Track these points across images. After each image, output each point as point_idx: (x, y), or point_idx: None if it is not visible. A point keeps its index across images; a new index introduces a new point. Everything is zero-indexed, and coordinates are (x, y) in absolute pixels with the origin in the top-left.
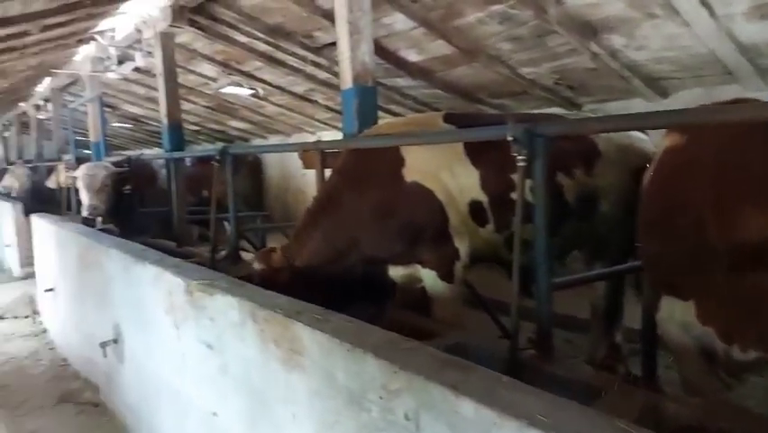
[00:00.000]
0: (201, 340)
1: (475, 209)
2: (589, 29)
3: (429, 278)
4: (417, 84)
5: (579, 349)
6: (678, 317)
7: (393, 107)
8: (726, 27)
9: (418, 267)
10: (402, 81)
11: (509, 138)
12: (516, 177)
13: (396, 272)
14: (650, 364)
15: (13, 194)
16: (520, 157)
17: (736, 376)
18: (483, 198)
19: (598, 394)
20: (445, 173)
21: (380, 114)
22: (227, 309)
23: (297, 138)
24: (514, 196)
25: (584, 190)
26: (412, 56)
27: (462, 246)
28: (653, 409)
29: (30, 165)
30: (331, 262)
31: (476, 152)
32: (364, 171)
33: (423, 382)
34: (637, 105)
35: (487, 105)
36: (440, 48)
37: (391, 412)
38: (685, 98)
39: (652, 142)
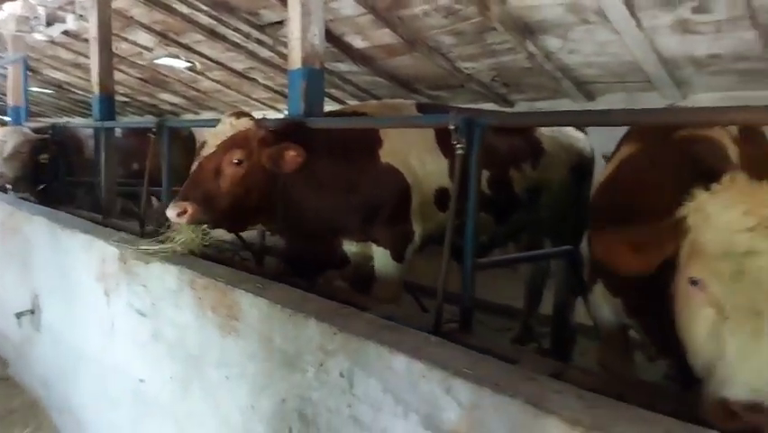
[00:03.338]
0: (134, 307)
1: (440, 196)
2: (527, 29)
3: (381, 256)
4: (359, 70)
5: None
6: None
7: (333, 91)
8: (651, 38)
9: (372, 245)
10: (344, 66)
11: (451, 127)
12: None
13: (350, 248)
14: (559, 341)
15: None
16: (459, 145)
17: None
18: (449, 185)
19: (513, 363)
20: (415, 159)
21: None
22: (164, 277)
23: None
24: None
25: (530, 183)
26: (357, 42)
27: (419, 229)
28: (560, 376)
29: None
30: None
31: (447, 143)
32: (342, 146)
33: (360, 342)
34: (565, 106)
35: (425, 96)
36: (384, 36)
37: (326, 372)
38: (609, 102)
39: (589, 142)
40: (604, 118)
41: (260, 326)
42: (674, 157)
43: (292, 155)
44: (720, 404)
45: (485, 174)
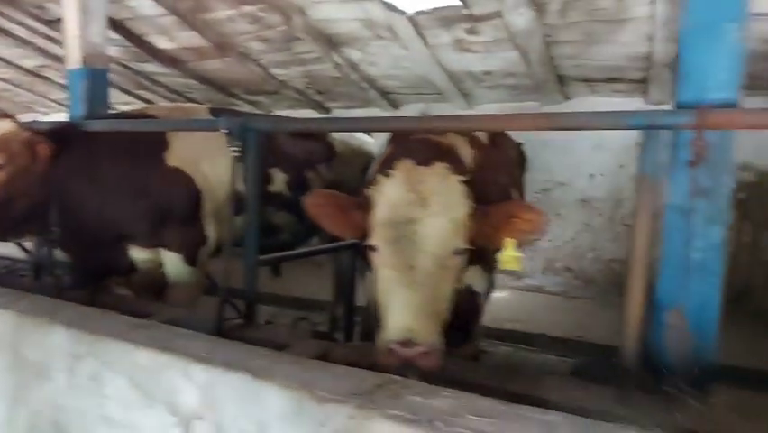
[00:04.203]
0: None
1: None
2: (330, 41)
3: (173, 261)
4: (169, 72)
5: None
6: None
7: (143, 93)
8: (436, 55)
9: (162, 251)
10: (152, 67)
11: (224, 131)
12: (273, 171)
13: (138, 255)
14: (350, 327)
15: None
16: (234, 148)
17: None
18: (243, 189)
19: (283, 348)
20: (207, 164)
21: (129, 99)
22: None
23: (26, 119)
24: (270, 188)
25: (325, 184)
26: (162, 43)
27: (212, 233)
28: (324, 354)
29: None
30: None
31: None
32: (126, 149)
33: (108, 343)
34: (375, 114)
35: (242, 101)
36: (191, 38)
37: (76, 376)
38: (412, 111)
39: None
40: (362, 125)
41: (12, 338)
42: (409, 156)
43: (41, 147)
44: (384, 346)
45: (283, 177)
